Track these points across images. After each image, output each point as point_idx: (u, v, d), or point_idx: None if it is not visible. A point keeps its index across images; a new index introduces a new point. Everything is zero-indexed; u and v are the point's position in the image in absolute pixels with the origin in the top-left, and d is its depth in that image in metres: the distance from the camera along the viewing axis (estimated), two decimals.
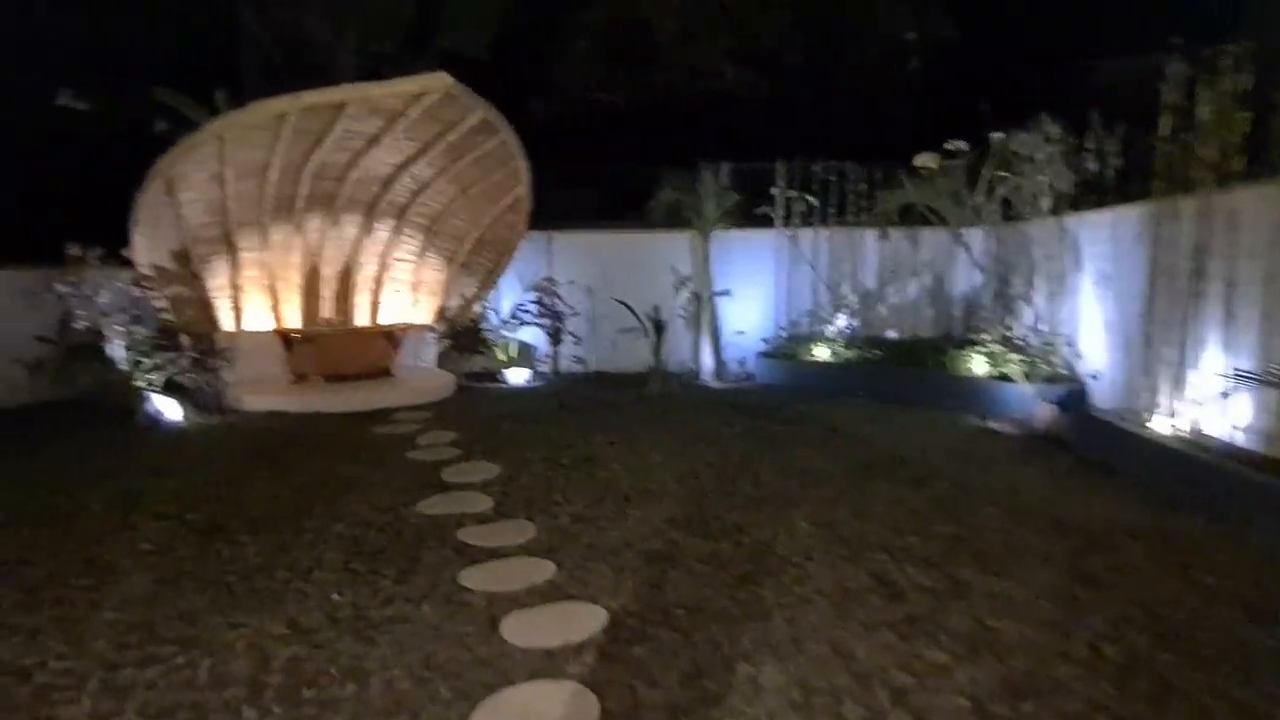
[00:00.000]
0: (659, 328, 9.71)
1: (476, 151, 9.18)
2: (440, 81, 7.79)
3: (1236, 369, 4.95)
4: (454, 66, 8.25)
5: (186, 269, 8.65)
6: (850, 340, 9.60)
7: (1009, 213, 8.50)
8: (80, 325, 7.83)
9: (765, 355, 10.10)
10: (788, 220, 10.42)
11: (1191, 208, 5.51)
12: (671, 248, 10.32)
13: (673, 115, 12.78)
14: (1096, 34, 10.71)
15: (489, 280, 10.51)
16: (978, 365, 8.03)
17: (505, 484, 5.35)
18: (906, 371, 8.69)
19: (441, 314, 10.45)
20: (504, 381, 9.88)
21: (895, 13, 13.46)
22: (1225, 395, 5.13)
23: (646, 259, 10.55)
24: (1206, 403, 5.34)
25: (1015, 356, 7.58)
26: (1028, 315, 8.20)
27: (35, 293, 7.97)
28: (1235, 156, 5.02)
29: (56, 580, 3.78)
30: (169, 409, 7.59)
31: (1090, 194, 7.41)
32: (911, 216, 9.75)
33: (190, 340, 8.17)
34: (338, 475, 5.60)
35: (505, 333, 10.25)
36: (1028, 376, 7.31)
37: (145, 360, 7.63)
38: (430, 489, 5.26)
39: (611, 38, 13.78)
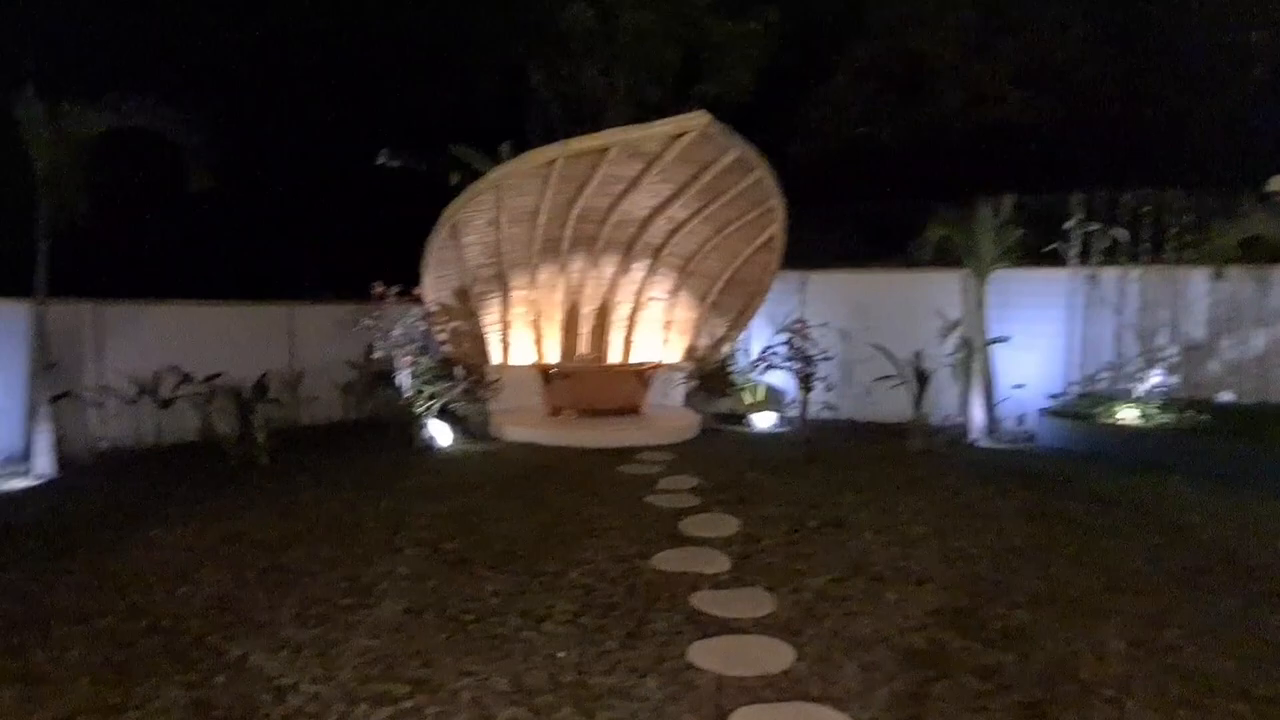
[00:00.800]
0: (922, 377, 8.78)
1: (732, 191, 9.06)
2: (698, 120, 7.78)
3: None
4: (714, 110, 8.23)
5: (466, 305, 9.47)
6: (1166, 402, 7.92)
7: None
8: (378, 354, 8.86)
9: (1051, 414, 8.69)
10: (1085, 258, 8.96)
11: None
12: (938, 289, 9.36)
13: (944, 147, 11.73)
14: None
15: (739, 320, 10.29)
16: None
17: (745, 543, 4.96)
18: (1249, 446, 6.92)
19: (691, 353, 10.41)
20: (749, 425, 9.53)
21: (1228, 11, 11.24)
22: None
23: (909, 301, 9.67)
24: None
25: None
26: None
27: (348, 324, 9.15)
28: None
29: (326, 597, 4.07)
30: (442, 434, 8.26)
31: None
32: (1258, 251, 7.88)
33: (464, 371, 8.89)
34: (580, 515, 5.60)
35: (753, 375, 9.93)
36: None
37: (426, 388, 8.39)
38: (667, 540, 5.04)
39: (878, 72, 13.09)
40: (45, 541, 5.03)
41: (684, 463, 7.39)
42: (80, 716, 2.90)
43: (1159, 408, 7.88)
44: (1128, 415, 8.04)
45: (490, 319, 9.70)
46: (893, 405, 9.17)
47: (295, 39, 11.83)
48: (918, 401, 8.74)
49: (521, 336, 9.92)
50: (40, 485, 6.59)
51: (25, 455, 6.89)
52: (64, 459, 6.99)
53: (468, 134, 12.04)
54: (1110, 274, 8.84)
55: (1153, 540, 5.05)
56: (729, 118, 8.31)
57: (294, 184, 11.86)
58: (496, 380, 9.28)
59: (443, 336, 9.20)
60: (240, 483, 6.62)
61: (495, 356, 9.74)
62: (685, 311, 10.44)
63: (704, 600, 4.03)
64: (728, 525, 5.34)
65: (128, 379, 8.01)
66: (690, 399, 10.04)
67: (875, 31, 13.07)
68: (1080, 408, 8.51)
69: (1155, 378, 8.19)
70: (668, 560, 4.65)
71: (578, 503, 5.95)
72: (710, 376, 9.92)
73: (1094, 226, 8.82)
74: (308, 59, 12.03)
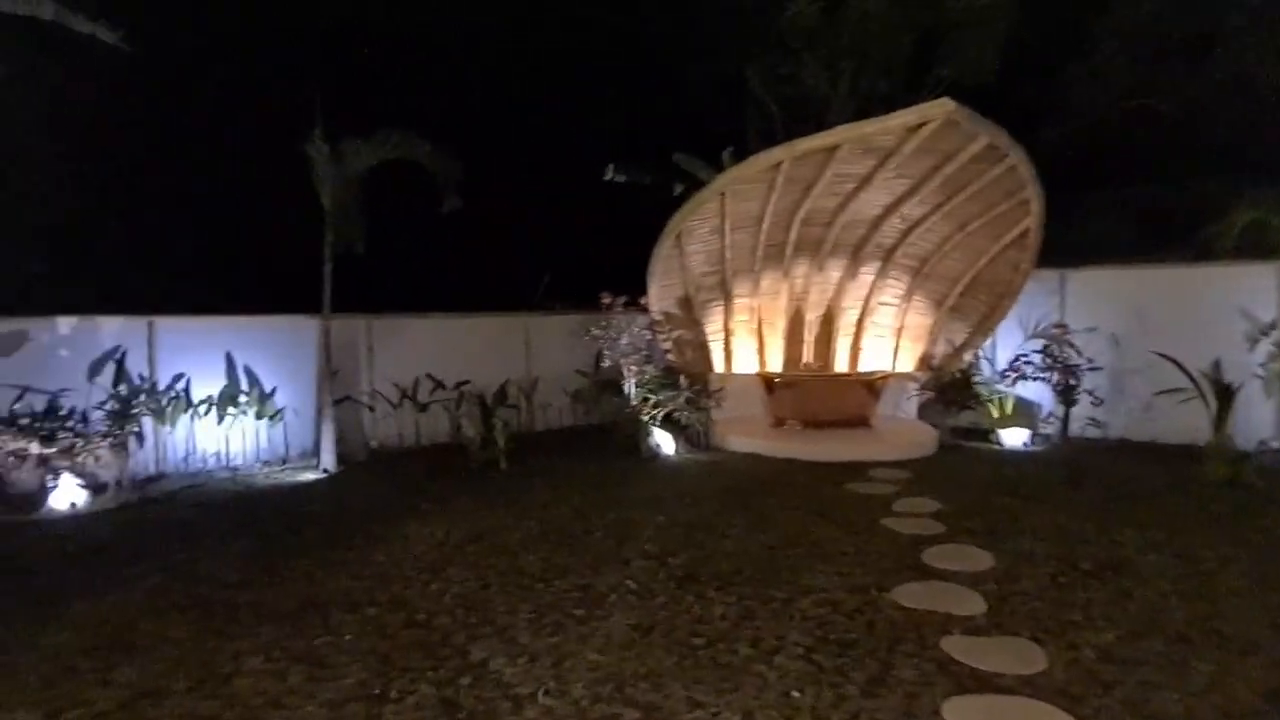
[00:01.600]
0: (1224, 392, 7.34)
1: (978, 183, 8.21)
2: (942, 108, 7.11)
3: None
4: (953, 96, 7.49)
5: (689, 314, 9.48)
6: None
7: None
8: (607, 363, 9.12)
9: None
10: None
11: None
12: (1243, 285, 7.82)
13: (1246, 115, 9.78)
14: None
15: (983, 326, 9.31)
16: None
17: (1001, 581, 4.36)
18: None
19: (926, 362, 9.61)
20: (996, 442, 8.58)
21: None
22: None
23: (1202, 301, 8.18)
24: None
25: None
26: None
27: (578, 334, 9.53)
28: None
29: (560, 606, 4.14)
30: (666, 443, 8.31)
31: None
32: None
33: (687, 380, 8.89)
34: (809, 536, 5.29)
35: (1001, 386, 8.93)
36: None
37: (651, 397, 8.49)
38: (908, 571, 4.57)
39: (1154, 32, 11.27)
40: (328, 530, 5.68)
41: (921, 482, 6.78)
42: (351, 703, 3.14)
43: None
44: None
45: (713, 327, 9.63)
46: (1180, 424, 7.81)
47: (529, 63, 12.66)
48: (1219, 421, 7.32)
49: (744, 345, 9.75)
50: (325, 478, 7.52)
51: (315, 451, 7.91)
52: (343, 455, 7.94)
53: (689, 143, 12.13)
54: None
55: None
56: (972, 103, 7.53)
57: (529, 201, 12.69)
58: (720, 389, 9.18)
59: (667, 345, 9.27)
60: (483, 483, 7.09)
61: (718, 365, 9.65)
62: (919, 317, 9.66)
63: (957, 647, 3.56)
64: (979, 559, 4.74)
65: (393, 385, 8.95)
66: (925, 412, 9.26)
67: None
68: None
69: None
70: (911, 595, 4.21)
71: (805, 522, 5.63)
72: (949, 387, 9.06)
73: None
74: (536, 84, 12.82)
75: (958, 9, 11.45)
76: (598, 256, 10.44)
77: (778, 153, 7.90)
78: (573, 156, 12.76)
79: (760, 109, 14.61)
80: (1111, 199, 11.09)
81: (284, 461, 8.17)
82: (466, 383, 9.10)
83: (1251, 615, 3.82)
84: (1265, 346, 7.55)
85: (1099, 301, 8.81)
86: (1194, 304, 8.26)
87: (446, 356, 9.29)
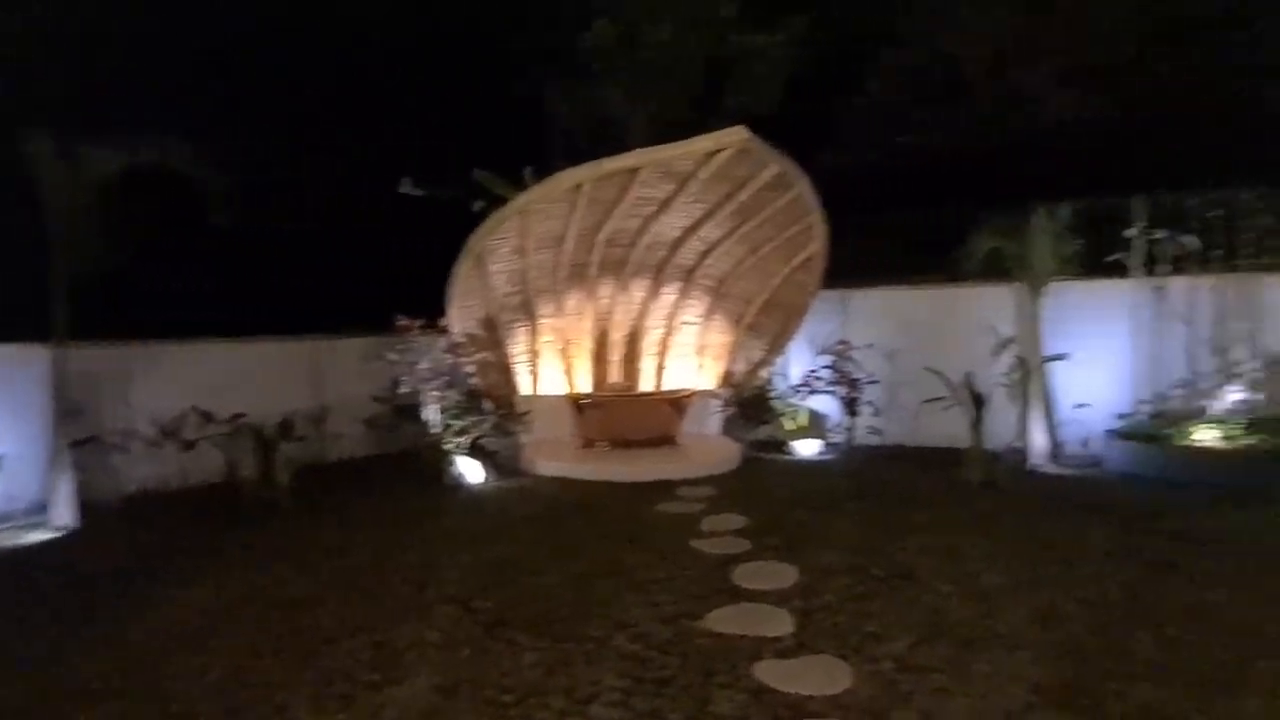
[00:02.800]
0: (978, 400, 8.23)
1: (768, 209, 8.64)
2: (737, 136, 7.38)
3: None
4: (744, 124, 7.82)
5: (493, 335, 9.12)
6: (1253, 421, 7.31)
7: None
8: (404, 389, 8.53)
9: (1119, 435, 8.10)
10: (1151, 267, 8.39)
11: None
12: (990, 304, 8.84)
13: (989, 152, 11.20)
14: None
15: (777, 343, 9.83)
16: None
17: (806, 597, 4.48)
18: None
19: (727, 379, 9.96)
20: (792, 453, 9.04)
21: None
22: None
23: (960, 317, 9.16)
24: None
25: None
26: None
27: (374, 358, 8.83)
28: None
29: (348, 671, 3.67)
30: (471, 470, 7.88)
31: None
32: None
33: (493, 404, 8.53)
34: (622, 564, 5.16)
35: (794, 400, 9.46)
36: None
37: (455, 423, 8.03)
38: (719, 594, 4.58)
39: (912, 78, 12.63)
40: (61, 607, 4.72)
41: (727, 499, 6.93)
42: None
43: (1244, 427, 7.27)
44: (1207, 436, 7.44)
45: (518, 349, 9.35)
46: (943, 428, 8.63)
47: (314, 70, 11.70)
48: (974, 426, 8.18)
49: (551, 366, 9.55)
50: (60, 537, 6.31)
51: (47, 505, 6.63)
52: (90, 506, 6.72)
53: (490, 160, 11.80)
54: (1179, 284, 8.24)
55: (1267, 587, 4.49)
56: (759, 131, 7.92)
57: (316, 216, 11.68)
58: (527, 412, 8.91)
59: (470, 368, 8.86)
60: (262, 528, 6.29)
61: (525, 387, 9.38)
62: (720, 335, 10.01)
63: (769, 672, 3.57)
64: (784, 575, 4.87)
65: (151, 422, 7.75)
66: (728, 427, 9.58)
67: (907, 37, 12.64)
68: (1151, 429, 7.91)
69: (1235, 394, 7.59)
70: (723, 620, 4.19)
71: (617, 550, 5.51)
72: (749, 403, 9.45)
73: (1159, 233, 8.25)
74: (327, 90, 11.89)
75: (746, 45, 12.11)
76: (394, 277, 9.79)
77: (580, 173, 7.82)
78: (367, 170, 11.94)
79: (564, 129, 14.60)
80: (885, 224, 12.15)
81: (2, 520, 6.77)
82: (243, 415, 8.09)
83: (1016, 614, 4.18)
84: (1006, 358, 8.56)
85: (875, 319, 9.60)
86: (951, 320, 9.23)
87: (220, 387, 8.20)
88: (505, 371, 9.25)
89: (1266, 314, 7.86)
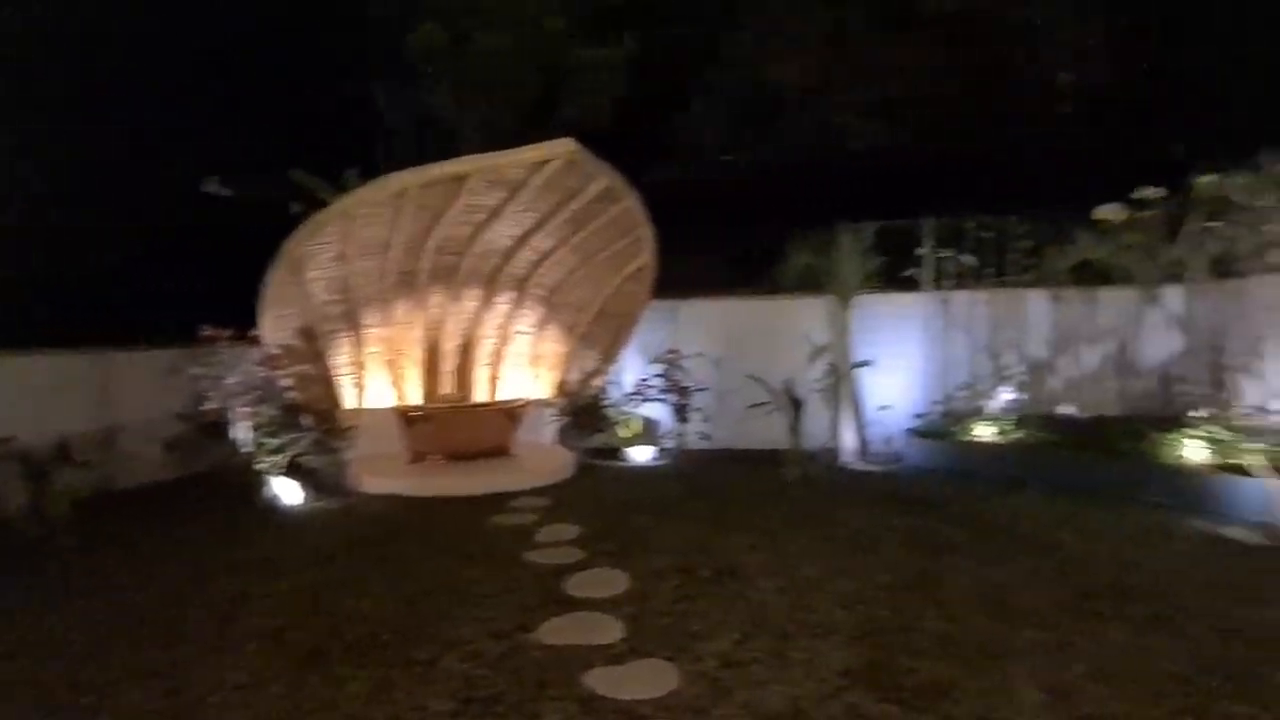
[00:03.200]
0: (795, 404, 8.81)
1: (599, 220, 8.77)
2: (565, 147, 7.44)
3: None
4: (575, 136, 7.92)
5: (312, 347, 8.59)
6: (1020, 418, 8.35)
7: (1223, 268, 7.18)
8: (211, 405, 7.82)
9: (915, 433, 8.97)
10: (938, 282, 9.37)
11: None
12: (807, 315, 9.49)
13: (804, 174, 12.06)
14: None
15: (610, 353, 9.99)
16: (1193, 452, 6.65)
17: (636, 602, 4.58)
18: (1095, 458, 7.34)
19: (562, 388, 9.98)
20: (627, 460, 9.22)
21: (1048, 52, 12.34)
22: None
23: (779, 327, 9.75)
24: None
25: (1248, 443, 6.20)
26: (1254, 391, 6.79)
27: (174, 373, 8.03)
28: None
29: None
30: (289, 492, 7.36)
31: None
32: (1088, 275, 8.52)
33: (313, 419, 8.02)
34: (453, 581, 5.02)
35: (628, 408, 9.65)
36: (1277, 468, 5.90)
37: (269, 441, 7.47)
38: (552, 605, 4.57)
39: (735, 100, 13.33)
40: None
41: (562, 508, 6.94)
42: None
43: (1013, 423, 8.28)
44: (984, 432, 8.40)
45: (342, 360, 8.86)
46: (767, 432, 9.14)
47: (113, 58, 10.48)
48: (793, 428, 8.75)
49: (378, 378, 9.13)
50: None
51: None
52: None
53: (313, 161, 11.13)
54: (961, 297, 9.27)
55: (1034, 564, 5.14)
56: (591, 143, 8.06)
57: (110, 216, 10.44)
58: (351, 427, 8.45)
59: (287, 382, 8.28)
60: (31, 568, 5.50)
61: (349, 401, 8.90)
62: (554, 345, 10.02)
63: (600, 680, 3.61)
64: (616, 582, 4.94)
65: None
66: (563, 436, 9.60)
67: (729, 62, 13.33)
68: (941, 427, 8.83)
69: (1006, 395, 8.64)
70: (555, 631, 4.19)
71: (449, 567, 5.35)
72: (583, 411, 9.53)
73: (944, 252, 9.24)
74: (123, 78, 10.69)
75: (578, 59, 12.26)
76: (198, 283, 8.96)
77: (405, 177, 7.56)
78: (174, 169, 10.83)
79: (392, 131, 14.04)
80: (712, 238, 12.69)
81: None
82: (10, 439, 7.05)
83: (829, 600, 4.51)
84: (821, 365, 9.23)
85: (704, 329, 10.01)
86: (774, 330, 9.81)
87: None
88: (327, 384, 8.73)
89: (1030, 324, 9.02)
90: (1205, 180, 6.95)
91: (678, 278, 9.84)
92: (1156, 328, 8.13)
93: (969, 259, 9.11)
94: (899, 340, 9.45)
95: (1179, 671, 3.53)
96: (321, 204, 8.97)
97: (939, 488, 7.52)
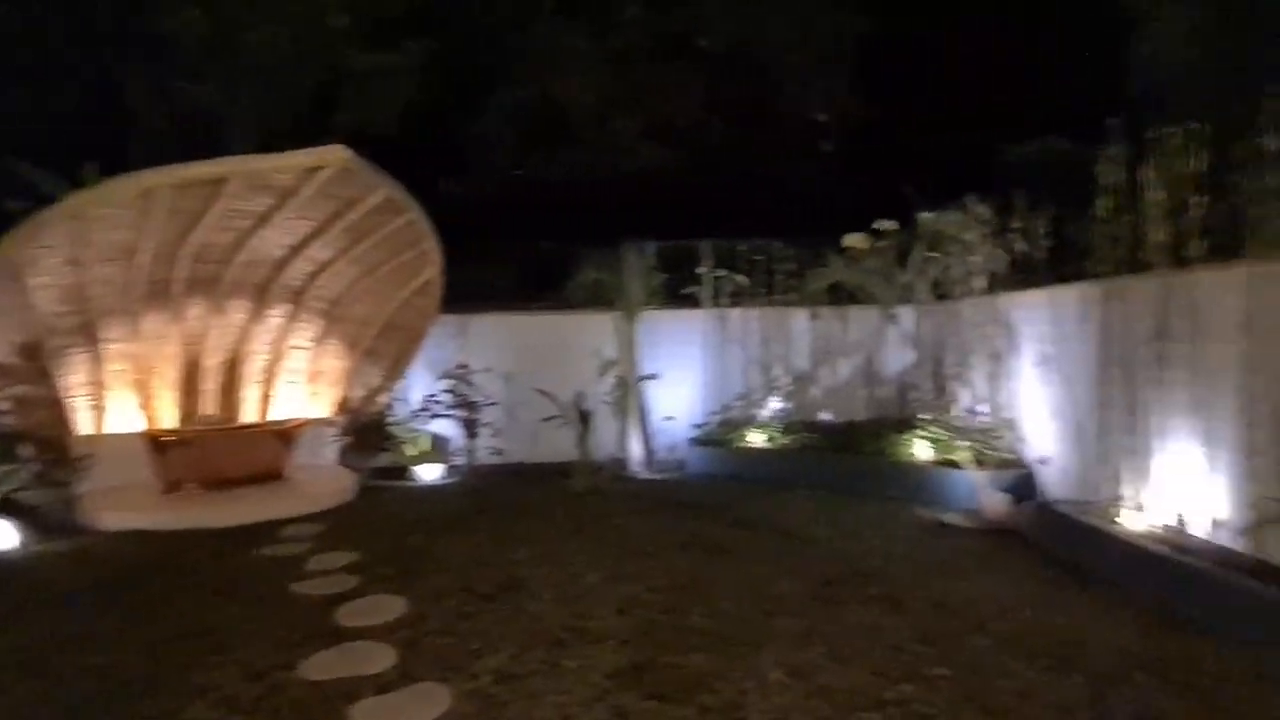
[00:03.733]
0: (584, 416, 9.01)
1: (381, 232, 8.43)
2: (335, 155, 7.06)
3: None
4: (358, 142, 7.57)
5: (36, 365, 7.45)
6: (787, 425, 9.14)
7: (940, 292, 8.36)
8: None
9: (696, 442, 9.52)
10: (715, 300, 10.04)
11: (1145, 289, 5.32)
12: (595, 330, 9.76)
13: (592, 193, 12.41)
14: (1004, 116, 11.00)
15: (396, 368, 9.61)
16: (921, 450, 7.67)
17: (413, 627, 4.45)
18: (847, 458, 8.23)
19: (344, 406, 9.45)
20: (414, 479, 8.91)
21: (805, 94, 13.70)
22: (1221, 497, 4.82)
23: (568, 342, 9.94)
24: (1179, 497, 5.03)
25: (960, 442, 7.26)
26: (964, 396, 7.96)
27: None
28: (1194, 239, 4.86)
29: None
30: (2, 534, 6.31)
31: (1021, 274, 7.31)
32: (841, 295, 9.55)
33: (36, 448, 6.97)
34: (206, 623, 4.58)
35: (415, 425, 9.35)
36: (978, 463, 6.96)
37: None
38: (319, 638, 4.31)
39: (525, 115, 13.44)
40: None
41: (339, 534, 6.57)
42: None
43: (781, 430, 9.05)
44: (757, 439, 9.10)
45: (76, 380, 7.77)
46: (557, 445, 9.26)
47: None
48: (581, 441, 8.94)
49: (123, 399, 8.11)
50: None
51: None
52: None
53: (49, 152, 9.70)
54: (736, 314, 10.00)
55: (792, 559, 5.65)
56: (375, 150, 7.75)
57: None
58: (86, 456, 7.42)
59: (2, 405, 7.13)
60: None
61: (84, 427, 7.81)
62: (335, 360, 9.47)
63: (366, 712, 3.47)
64: (392, 607, 4.77)
65: None
66: (345, 457, 9.08)
67: (520, 76, 13.42)
68: (719, 435, 9.44)
69: (775, 404, 9.42)
70: (321, 665, 3.97)
71: (201, 607, 4.88)
72: (367, 430, 9.09)
73: (721, 272, 9.92)
74: None
75: (360, 63, 11.75)
76: None
77: (151, 177, 6.80)
78: None
79: (147, 124, 12.62)
80: (504, 252, 12.64)
81: None
82: None
83: (605, 609, 4.66)
84: (609, 378, 9.52)
85: (495, 343, 9.94)
86: (563, 345, 9.96)
87: None
88: (55, 408, 7.60)
89: (794, 339, 9.93)
90: (926, 216, 8.10)
91: (469, 292, 9.72)
92: (894, 342, 9.27)
93: (742, 279, 9.86)
94: (682, 354, 9.98)
95: (899, 643, 4.06)
96: (50, 202, 7.86)
97: (716, 493, 8.03)
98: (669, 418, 9.71)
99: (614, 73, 12.62)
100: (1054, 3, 11.55)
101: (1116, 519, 5.33)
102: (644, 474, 9.15)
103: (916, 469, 7.59)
